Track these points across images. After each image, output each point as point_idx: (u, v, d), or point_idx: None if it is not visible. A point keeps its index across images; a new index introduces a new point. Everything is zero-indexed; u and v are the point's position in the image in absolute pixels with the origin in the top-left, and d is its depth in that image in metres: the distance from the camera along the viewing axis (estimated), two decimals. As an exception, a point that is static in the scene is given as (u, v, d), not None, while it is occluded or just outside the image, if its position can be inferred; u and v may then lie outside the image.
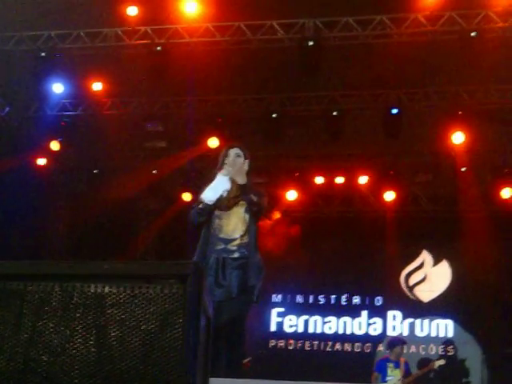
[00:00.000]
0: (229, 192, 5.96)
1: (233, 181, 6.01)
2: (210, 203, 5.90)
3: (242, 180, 6.06)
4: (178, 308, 2.20)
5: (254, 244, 5.96)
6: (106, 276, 2.27)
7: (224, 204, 5.97)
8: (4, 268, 2.35)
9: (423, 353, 14.36)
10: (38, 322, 2.25)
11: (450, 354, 14.13)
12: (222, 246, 5.88)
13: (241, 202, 6.02)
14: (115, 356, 2.18)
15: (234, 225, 5.93)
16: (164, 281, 2.24)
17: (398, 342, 12.10)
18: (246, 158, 6.18)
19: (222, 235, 5.91)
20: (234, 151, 6.15)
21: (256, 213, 6.03)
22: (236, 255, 5.86)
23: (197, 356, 2.19)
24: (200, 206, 5.94)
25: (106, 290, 2.26)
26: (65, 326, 2.24)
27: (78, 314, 2.25)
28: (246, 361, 12.18)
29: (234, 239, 5.89)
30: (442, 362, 12.11)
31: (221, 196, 5.93)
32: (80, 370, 2.19)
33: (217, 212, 5.98)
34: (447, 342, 14.28)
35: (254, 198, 5.95)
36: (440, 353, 14.20)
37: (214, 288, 5.71)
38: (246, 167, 6.16)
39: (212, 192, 5.89)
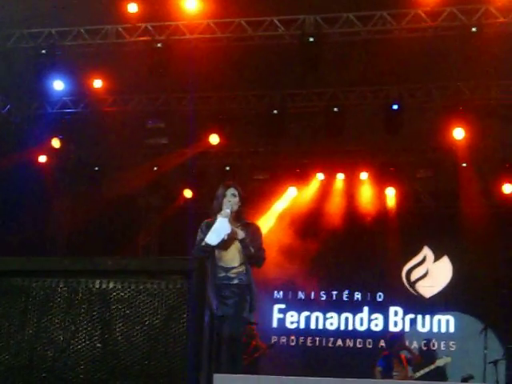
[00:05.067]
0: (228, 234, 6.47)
1: (230, 221, 6.51)
2: (213, 244, 6.44)
3: (237, 221, 6.60)
4: (182, 303, 2.21)
5: (251, 273, 6.58)
6: (110, 272, 2.28)
7: (224, 243, 6.51)
8: (9, 264, 2.35)
9: (425, 348, 14.36)
10: (43, 317, 2.26)
11: (451, 349, 14.13)
12: (222, 274, 6.51)
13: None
14: (120, 351, 2.19)
15: (232, 255, 6.56)
16: (168, 276, 2.25)
17: (397, 337, 12.15)
18: (240, 197, 6.64)
19: (221, 264, 6.53)
20: (230, 191, 6.61)
21: (253, 264, 6.64)
22: (235, 281, 6.50)
23: (201, 350, 2.20)
24: (203, 244, 6.47)
25: (111, 285, 2.27)
26: (70, 322, 2.24)
27: (82, 310, 2.26)
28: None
29: (233, 267, 6.54)
30: (448, 359, 12.12)
31: (222, 239, 6.42)
32: (85, 365, 2.20)
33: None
34: (447, 337, 14.25)
35: (252, 251, 6.54)
36: (442, 348, 14.21)
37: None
38: (239, 206, 6.62)
39: (215, 236, 6.43)
